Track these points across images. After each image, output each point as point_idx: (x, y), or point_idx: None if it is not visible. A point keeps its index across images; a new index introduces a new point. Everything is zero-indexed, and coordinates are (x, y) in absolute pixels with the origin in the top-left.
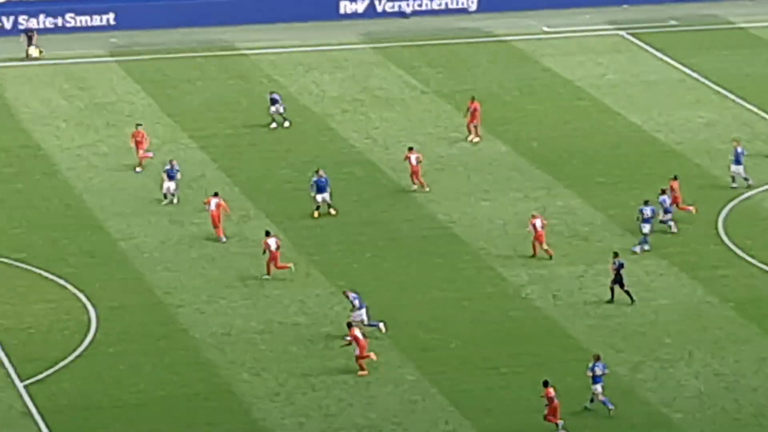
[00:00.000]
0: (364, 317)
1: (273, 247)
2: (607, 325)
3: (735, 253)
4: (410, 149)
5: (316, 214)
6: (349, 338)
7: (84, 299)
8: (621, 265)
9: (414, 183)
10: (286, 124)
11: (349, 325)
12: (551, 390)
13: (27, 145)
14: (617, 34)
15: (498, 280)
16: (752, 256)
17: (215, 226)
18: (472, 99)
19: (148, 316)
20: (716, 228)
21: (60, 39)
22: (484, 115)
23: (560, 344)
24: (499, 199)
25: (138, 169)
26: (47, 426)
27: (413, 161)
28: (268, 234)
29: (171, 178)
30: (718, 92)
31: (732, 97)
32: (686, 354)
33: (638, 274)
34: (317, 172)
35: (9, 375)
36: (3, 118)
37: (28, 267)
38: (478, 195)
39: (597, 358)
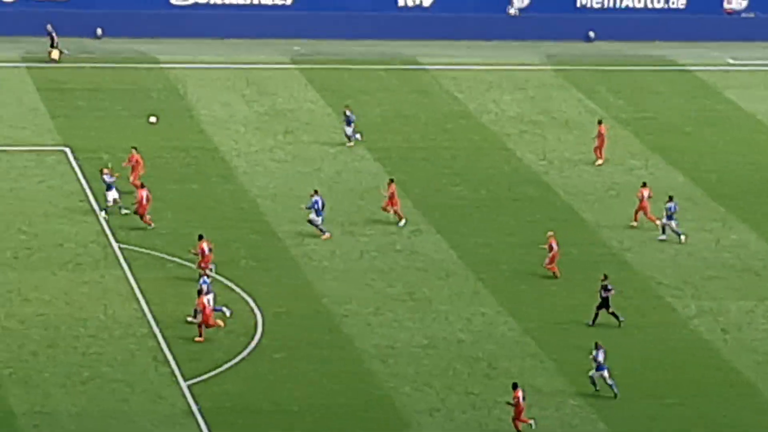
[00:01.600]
0: (210, 302)
1: (206, 250)
2: None
3: None
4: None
5: (326, 236)
6: (190, 318)
7: (251, 303)
8: (609, 289)
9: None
10: (349, 143)
11: (199, 293)
12: (519, 392)
13: (205, 146)
14: None
15: (666, 311)
16: None
17: (143, 215)
18: (599, 122)
19: (314, 324)
20: None
21: (243, 44)
22: (663, 144)
23: (726, 378)
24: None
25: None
26: (208, 426)
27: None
28: (201, 238)
29: (110, 188)
30: None
31: None
32: None
33: None
34: (316, 192)
35: (173, 374)
36: (183, 118)
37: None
38: (651, 224)
39: (597, 346)
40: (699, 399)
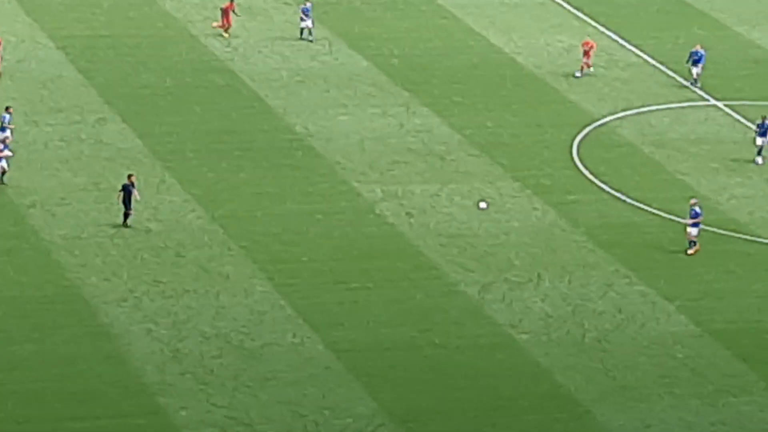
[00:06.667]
0: None
1: None
2: (458, 245)
3: (588, 179)
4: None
5: None
6: None
7: None
8: (130, 188)
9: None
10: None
11: None
12: None
13: None
14: None
15: (352, 196)
16: (604, 183)
17: None
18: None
19: None
20: (570, 153)
21: None
22: (346, 29)
23: (411, 262)
24: (357, 114)
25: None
26: None
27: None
28: None
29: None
30: (579, 17)
31: (592, 23)
32: (535, 276)
33: (492, 195)
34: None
35: None
36: None
37: None
38: (337, 109)
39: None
40: (385, 283)
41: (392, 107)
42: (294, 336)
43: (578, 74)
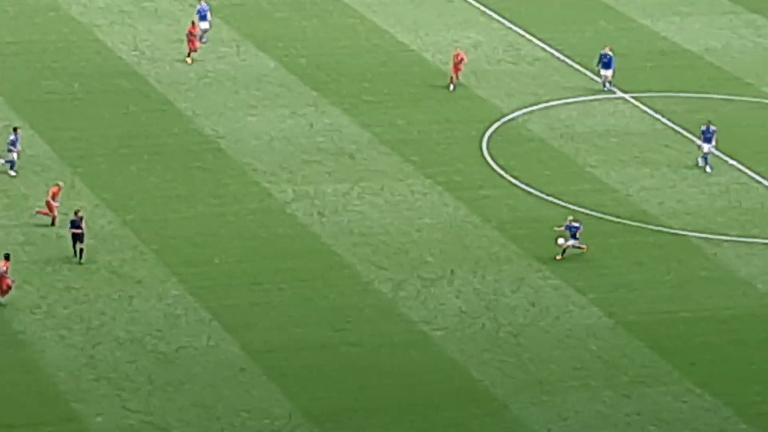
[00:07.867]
0: None
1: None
2: (371, 243)
3: (498, 174)
4: None
5: None
6: None
7: None
8: (78, 223)
9: None
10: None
11: None
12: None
13: None
14: None
15: (263, 196)
16: (515, 177)
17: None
18: (193, 23)
19: None
20: (480, 149)
21: None
22: (253, 31)
23: (324, 261)
24: (267, 114)
25: None
26: None
27: None
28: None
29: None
30: (485, 13)
31: (498, 18)
32: (448, 272)
33: (403, 193)
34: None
35: None
36: None
37: None
38: (245, 110)
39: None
40: (298, 283)
41: (301, 107)
42: (209, 338)
43: (452, 87)
